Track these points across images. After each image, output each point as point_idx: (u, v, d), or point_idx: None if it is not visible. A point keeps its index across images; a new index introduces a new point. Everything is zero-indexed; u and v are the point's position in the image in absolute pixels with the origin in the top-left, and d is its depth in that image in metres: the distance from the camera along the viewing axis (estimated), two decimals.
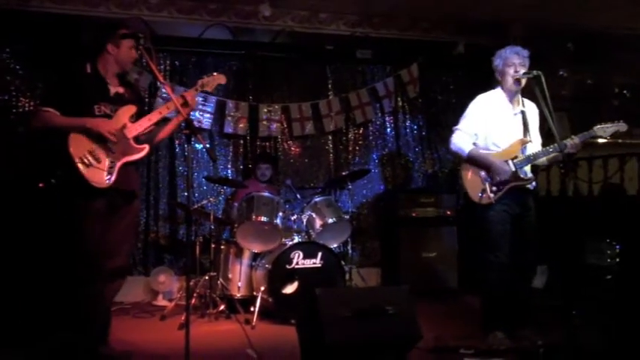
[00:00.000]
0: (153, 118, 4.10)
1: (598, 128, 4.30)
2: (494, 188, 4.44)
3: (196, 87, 4.32)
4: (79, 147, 3.82)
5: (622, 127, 4.31)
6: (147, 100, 6.59)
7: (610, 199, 6.29)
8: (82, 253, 3.91)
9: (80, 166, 3.78)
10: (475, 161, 4.55)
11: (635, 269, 5.58)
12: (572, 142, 4.26)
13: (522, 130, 4.53)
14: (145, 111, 4.26)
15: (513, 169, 4.43)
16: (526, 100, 4.64)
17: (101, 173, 3.85)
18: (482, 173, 4.49)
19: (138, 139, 4.06)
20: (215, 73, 4.44)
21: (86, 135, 3.85)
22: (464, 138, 4.60)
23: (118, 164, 3.93)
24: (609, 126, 4.30)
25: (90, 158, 3.83)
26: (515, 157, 4.46)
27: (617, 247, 5.79)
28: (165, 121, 4.24)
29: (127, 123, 4.01)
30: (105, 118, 3.95)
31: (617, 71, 8.03)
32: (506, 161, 4.45)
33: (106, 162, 3.88)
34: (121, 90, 4.13)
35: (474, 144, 4.60)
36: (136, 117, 4.08)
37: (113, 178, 3.88)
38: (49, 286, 5.02)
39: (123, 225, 4.09)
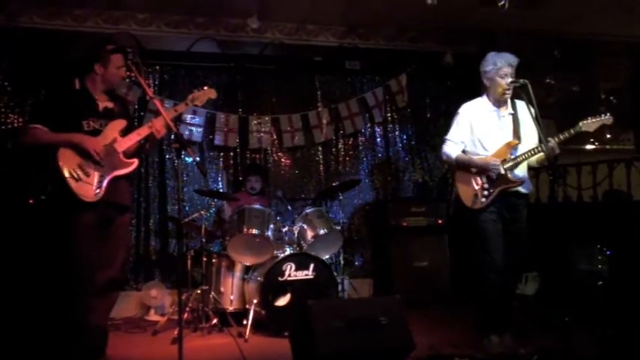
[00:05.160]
0: (142, 132, 4.14)
1: (584, 123, 4.29)
2: (485, 193, 4.45)
3: (186, 101, 4.37)
4: (67, 162, 3.87)
5: (607, 120, 4.30)
6: (136, 114, 6.59)
7: (609, 204, 6.29)
8: (72, 267, 3.92)
9: (70, 180, 3.83)
10: (463, 164, 4.60)
11: (626, 274, 5.60)
12: (552, 144, 4.22)
13: (512, 133, 4.53)
14: (134, 125, 4.30)
15: (503, 172, 4.43)
16: (517, 101, 4.61)
17: (90, 187, 3.88)
18: (474, 179, 4.51)
19: (127, 153, 4.10)
20: (206, 88, 4.49)
21: (74, 150, 3.89)
22: (452, 146, 4.68)
23: (108, 178, 3.97)
24: (595, 120, 4.29)
25: (79, 173, 3.87)
26: (504, 160, 4.46)
27: (608, 252, 5.81)
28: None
29: (117, 137, 4.06)
30: (94, 133, 3.99)
31: (603, 78, 8.10)
32: None
33: (95, 176, 3.92)
34: (110, 105, 4.17)
35: (463, 151, 4.65)
36: (126, 131, 4.12)
37: (102, 191, 3.92)
38: (38, 301, 5.00)
39: (114, 238, 4.11)
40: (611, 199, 6.31)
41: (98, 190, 3.91)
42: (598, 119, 4.30)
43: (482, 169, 4.48)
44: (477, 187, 4.48)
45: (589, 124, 4.30)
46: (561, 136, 4.29)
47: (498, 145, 4.52)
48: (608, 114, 4.31)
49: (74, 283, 3.93)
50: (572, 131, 4.31)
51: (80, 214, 3.89)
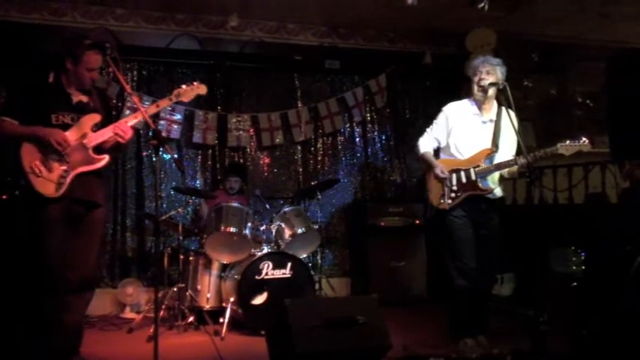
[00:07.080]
0: (106, 133, 4.03)
1: (561, 146, 4.28)
2: (452, 195, 4.48)
3: (171, 97, 4.21)
4: (29, 156, 3.81)
5: (585, 147, 4.29)
6: (114, 110, 6.53)
7: (591, 207, 6.35)
8: (41, 264, 3.85)
9: (30, 176, 3.78)
10: (424, 162, 4.77)
11: (599, 276, 5.65)
12: (522, 161, 4.27)
13: (491, 139, 4.54)
14: (111, 118, 4.22)
15: (474, 178, 4.45)
16: (503, 109, 4.56)
17: (50, 184, 3.82)
18: (443, 179, 4.54)
19: (99, 149, 4.01)
20: (195, 83, 4.34)
21: (38, 144, 3.82)
22: (426, 140, 4.78)
23: (72, 173, 3.88)
24: (573, 145, 4.28)
25: (41, 168, 3.80)
26: (478, 166, 4.48)
27: (582, 254, 5.87)
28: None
29: (88, 132, 3.97)
30: (64, 127, 3.91)
31: (580, 81, 8.18)
32: (468, 169, 4.48)
33: (59, 171, 3.85)
34: (84, 99, 4.08)
35: (438, 149, 4.74)
36: (101, 125, 4.03)
37: (64, 188, 3.84)
38: (10, 298, 4.93)
39: (86, 235, 4.04)
40: (592, 203, 6.37)
41: (59, 187, 3.83)
42: (576, 144, 4.28)
43: (435, 175, 4.57)
44: (445, 188, 4.51)
45: (567, 147, 4.28)
46: (537, 154, 4.29)
47: (475, 151, 4.54)
48: (587, 140, 4.30)
49: (45, 280, 3.86)
50: (548, 151, 4.31)
51: (44, 209, 3.82)
